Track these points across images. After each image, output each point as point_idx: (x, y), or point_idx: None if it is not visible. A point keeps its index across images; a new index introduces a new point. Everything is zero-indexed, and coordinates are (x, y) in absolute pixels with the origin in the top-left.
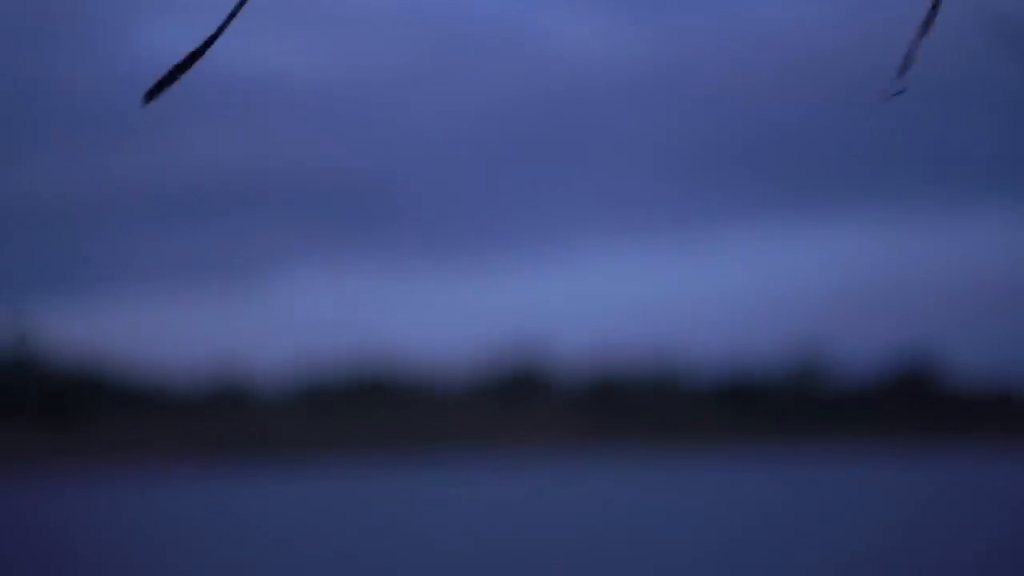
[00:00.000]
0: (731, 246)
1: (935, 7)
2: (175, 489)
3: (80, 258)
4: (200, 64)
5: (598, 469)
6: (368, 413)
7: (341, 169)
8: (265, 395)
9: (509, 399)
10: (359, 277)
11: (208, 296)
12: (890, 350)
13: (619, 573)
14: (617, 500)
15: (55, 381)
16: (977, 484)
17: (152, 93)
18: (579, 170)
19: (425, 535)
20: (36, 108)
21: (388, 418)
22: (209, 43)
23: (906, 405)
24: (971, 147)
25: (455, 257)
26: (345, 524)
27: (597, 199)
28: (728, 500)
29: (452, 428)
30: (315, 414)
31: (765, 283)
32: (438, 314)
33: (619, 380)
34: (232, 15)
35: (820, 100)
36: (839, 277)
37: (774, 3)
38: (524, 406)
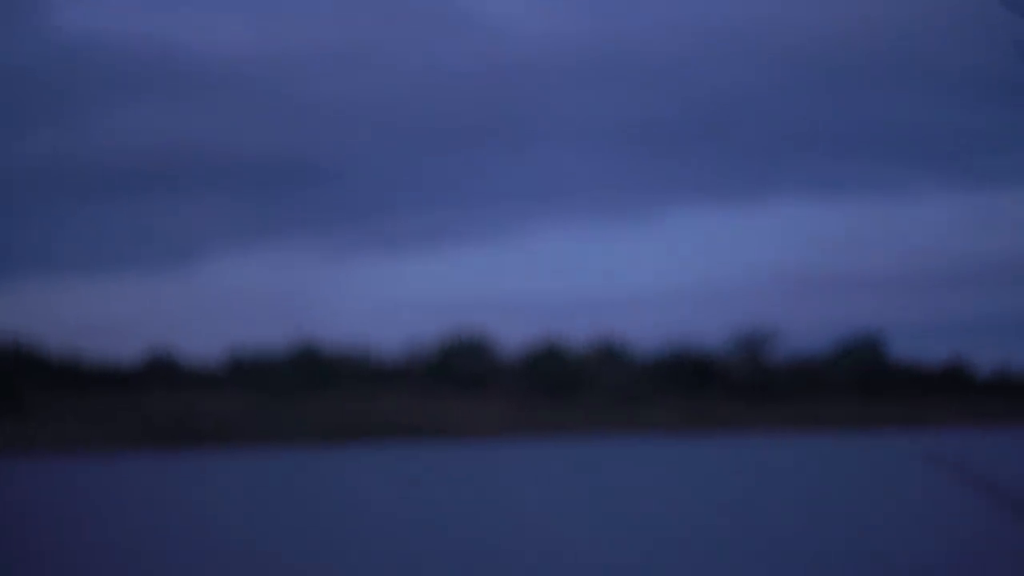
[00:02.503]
0: (677, 225)
1: None
2: (105, 469)
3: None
4: (128, 40)
5: (543, 446)
6: (304, 394)
7: (275, 148)
8: (196, 376)
9: (451, 378)
10: (294, 257)
11: (135, 277)
12: (837, 329)
13: (564, 548)
14: (563, 476)
15: None
16: (923, 456)
17: None
18: (521, 148)
19: (364, 514)
20: None
21: (324, 399)
22: None
23: (853, 382)
24: (917, 126)
25: (393, 236)
26: (277, 504)
27: (540, 177)
28: (677, 474)
29: (392, 408)
30: (248, 395)
31: (711, 263)
32: (378, 295)
33: (564, 358)
34: None
35: (768, 78)
36: (785, 257)
37: None
38: (466, 385)
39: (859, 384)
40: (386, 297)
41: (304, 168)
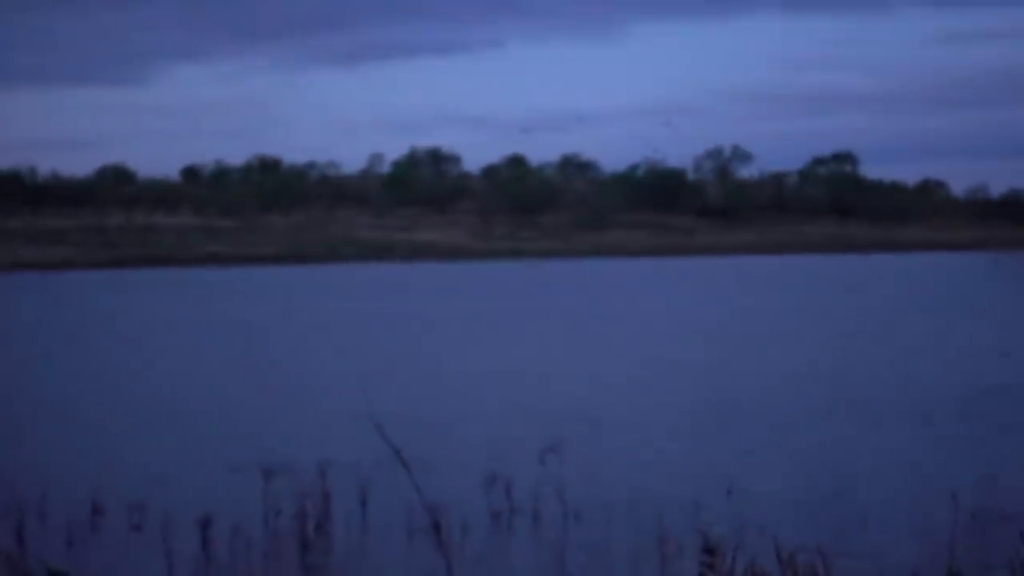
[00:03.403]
0: (643, 40)
1: None
2: (59, 281)
3: None
4: None
5: (508, 266)
6: (262, 211)
7: None
8: (151, 192)
9: (413, 196)
10: (249, 70)
11: (87, 91)
12: (809, 148)
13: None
14: (526, 294)
15: None
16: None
17: None
18: None
19: (341, 328)
20: None
21: (283, 217)
22: None
23: (826, 201)
24: None
25: (351, 48)
26: (246, 316)
27: None
28: (666, 288)
29: (352, 226)
30: (205, 212)
31: (679, 79)
32: (337, 110)
33: (530, 175)
34: None
35: None
36: (755, 75)
37: None
38: (429, 203)
39: (832, 204)
40: (345, 112)
41: None
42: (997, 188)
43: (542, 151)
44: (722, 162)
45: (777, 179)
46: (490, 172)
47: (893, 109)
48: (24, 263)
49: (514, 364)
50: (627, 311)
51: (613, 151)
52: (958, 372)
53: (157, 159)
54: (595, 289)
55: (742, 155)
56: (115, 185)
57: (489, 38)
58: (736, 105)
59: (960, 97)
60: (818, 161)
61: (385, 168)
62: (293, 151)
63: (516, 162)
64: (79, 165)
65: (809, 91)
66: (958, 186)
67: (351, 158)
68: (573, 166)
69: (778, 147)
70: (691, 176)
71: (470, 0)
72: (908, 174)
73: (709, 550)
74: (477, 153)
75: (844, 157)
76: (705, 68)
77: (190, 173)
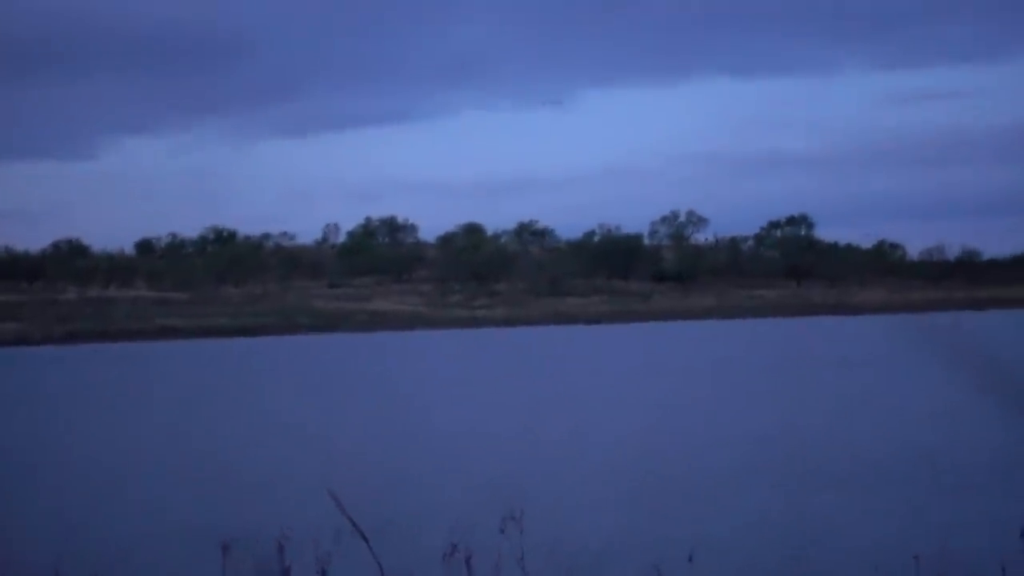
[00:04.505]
0: (594, 106)
1: None
2: (12, 357)
3: None
4: None
5: (471, 329)
6: (221, 283)
7: (176, 22)
8: (106, 264)
9: (368, 264)
10: (201, 141)
11: (39, 163)
12: (762, 211)
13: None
14: (481, 360)
15: None
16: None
17: None
18: (433, 26)
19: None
20: None
21: (245, 290)
22: None
23: (782, 264)
24: (841, 1)
25: (303, 118)
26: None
27: (453, 57)
28: (615, 351)
29: (312, 297)
30: (160, 284)
31: (630, 144)
32: (291, 179)
33: (481, 243)
34: None
35: None
36: (706, 137)
37: None
38: (384, 271)
39: (788, 267)
40: (300, 182)
41: (208, 44)
42: (953, 249)
43: (497, 218)
44: (677, 227)
45: (733, 243)
46: (446, 240)
47: (844, 170)
48: None
49: (469, 430)
50: (580, 377)
51: (566, 216)
52: (900, 434)
53: (111, 232)
54: (549, 355)
55: (697, 219)
56: (69, 259)
57: (441, 106)
58: (689, 169)
59: (911, 157)
60: (774, 224)
61: (341, 237)
62: (248, 222)
63: (472, 230)
64: (32, 239)
65: (760, 153)
66: (914, 247)
67: (307, 228)
68: (529, 233)
69: (731, 209)
70: (647, 241)
71: (421, 68)
72: (864, 235)
73: None
74: (432, 220)
75: (799, 220)
76: (656, 133)
77: (144, 246)
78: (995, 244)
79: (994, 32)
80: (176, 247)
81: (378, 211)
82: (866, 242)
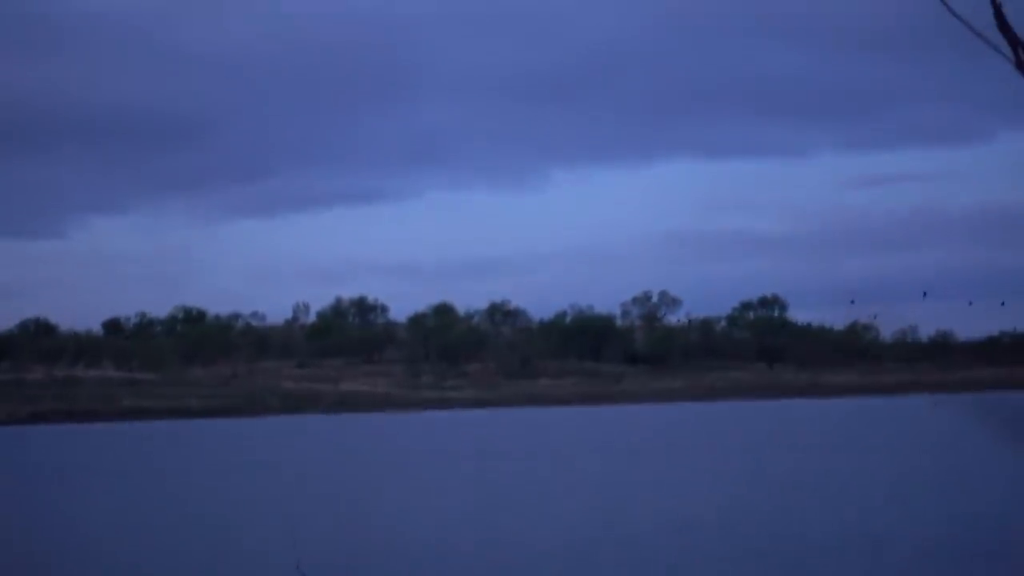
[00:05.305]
0: (563, 187)
1: None
2: None
3: None
4: None
5: (442, 410)
6: (189, 364)
7: (143, 102)
8: (74, 344)
9: (338, 345)
10: (168, 220)
11: (5, 243)
12: (734, 292)
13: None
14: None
15: None
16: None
17: None
18: (400, 105)
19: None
20: None
21: (213, 370)
22: None
23: (755, 346)
24: (806, 84)
25: (270, 197)
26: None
27: (421, 136)
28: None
29: (281, 378)
30: (128, 365)
31: (601, 225)
32: (258, 258)
33: (452, 323)
34: None
35: (652, 35)
36: (677, 219)
37: None
38: (354, 352)
39: (760, 349)
40: (268, 262)
41: (176, 123)
42: (926, 330)
43: (468, 298)
44: (650, 308)
45: (705, 324)
46: (416, 320)
47: (817, 252)
48: None
49: (438, 509)
50: (546, 460)
51: (537, 297)
52: (857, 515)
53: (79, 312)
54: (514, 437)
55: (669, 300)
56: (36, 338)
57: (410, 186)
58: (660, 249)
59: (882, 240)
60: (746, 306)
61: (311, 317)
62: (216, 301)
63: (443, 310)
64: None
65: (731, 234)
66: (887, 328)
67: (276, 307)
68: (501, 313)
69: (703, 290)
70: (619, 322)
71: (388, 149)
72: (836, 317)
73: None
74: (402, 301)
75: (771, 302)
76: (628, 213)
77: (112, 325)
78: (967, 326)
79: (965, 113)
80: (145, 326)
81: (348, 291)
82: (839, 323)
